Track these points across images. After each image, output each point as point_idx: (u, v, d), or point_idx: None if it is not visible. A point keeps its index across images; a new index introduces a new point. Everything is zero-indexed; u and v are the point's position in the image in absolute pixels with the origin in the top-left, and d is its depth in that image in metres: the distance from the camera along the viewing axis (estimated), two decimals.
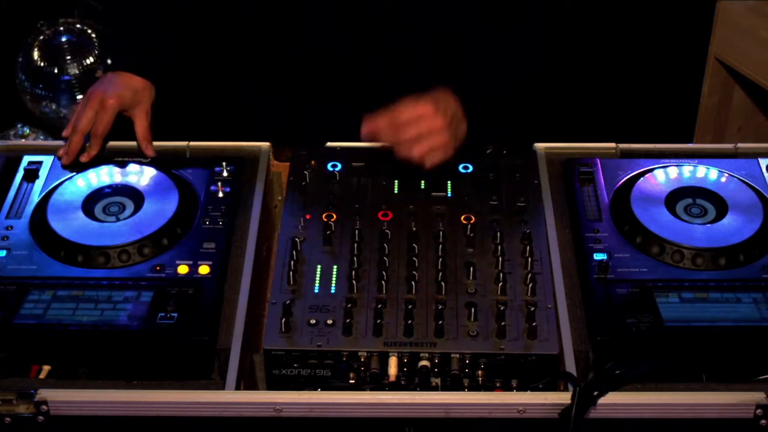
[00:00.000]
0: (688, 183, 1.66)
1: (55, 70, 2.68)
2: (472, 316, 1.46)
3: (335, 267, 1.53)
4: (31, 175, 1.67)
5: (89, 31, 2.71)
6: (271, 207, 1.77)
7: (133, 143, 1.76)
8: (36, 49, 2.68)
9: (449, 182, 1.68)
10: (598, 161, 1.71)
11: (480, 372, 1.42)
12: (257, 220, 1.62)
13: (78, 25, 2.70)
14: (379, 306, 1.46)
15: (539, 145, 1.76)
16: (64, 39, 2.68)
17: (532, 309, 1.45)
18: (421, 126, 1.58)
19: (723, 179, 1.67)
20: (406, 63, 1.87)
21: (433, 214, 1.63)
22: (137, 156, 1.73)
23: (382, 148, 1.70)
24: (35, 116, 2.75)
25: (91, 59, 2.70)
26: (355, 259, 1.54)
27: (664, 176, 1.67)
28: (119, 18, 1.88)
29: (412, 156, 1.59)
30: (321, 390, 1.42)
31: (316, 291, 1.50)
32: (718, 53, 2.65)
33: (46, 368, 1.42)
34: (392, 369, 1.41)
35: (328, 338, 1.43)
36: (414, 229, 1.59)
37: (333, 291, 1.50)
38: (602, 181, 1.67)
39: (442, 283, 1.50)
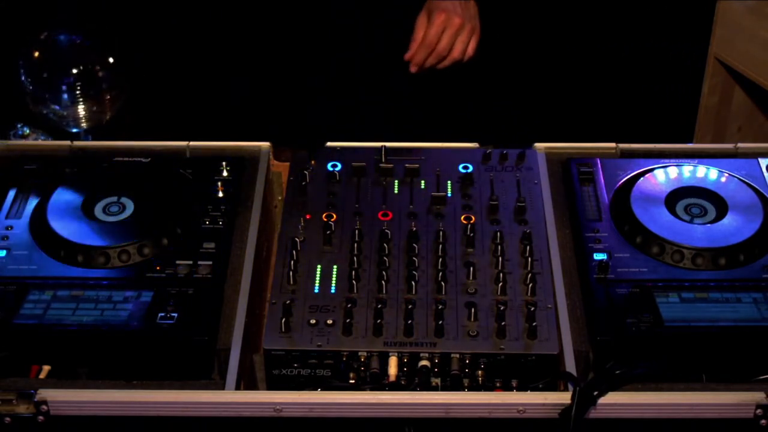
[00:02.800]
0: (688, 183, 1.66)
1: (56, 71, 2.68)
2: (472, 316, 1.46)
3: (335, 267, 1.53)
4: (32, 175, 1.67)
5: (89, 32, 2.70)
6: (271, 207, 1.77)
7: (133, 143, 1.76)
8: (36, 50, 2.68)
9: (449, 182, 1.68)
10: (598, 161, 1.71)
11: (480, 372, 1.42)
12: (257, 220, 1.62)
13: (79, 25, 2.70)
14: (379, 306, 1.46)
15: (539, 145, 1.76)
16: (64, 39, 2.68)
17: (532, 309, 1.45)
18: (447, 35, 1.85)
19: (723, 179, 1.67)
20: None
21: (433, 214, 1.63)
22: (137, 156, 1.72)
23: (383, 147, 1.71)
24: (35, 116, 2.75)
25: (92, 60, 2.70)
26: (355, 259, 1.54)
27: (664, 176, 1.67)
28: None
29: (456, 58, 1.87)
30: (321, 390, 1.42)
31: (316, 291, 1.50)
32: (718, 53, 2.65)
33: (46, 368, 1.42)
34: (392, 369, 1.41)
35: (328, 338, 1.43)
36: (414, 229, 1.59)
37: (333, 291, 1.50)
38: (602, 181, 1.67)
39: (442, 283, 1.50)
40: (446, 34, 1.86)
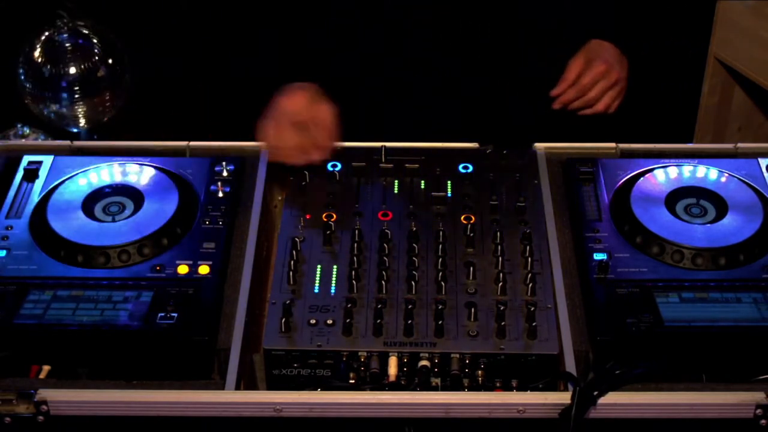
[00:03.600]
0: (688, 183, 1.66)
1: (56, 71, 2.68)
2: (472, 316, 1.46)
3: (335, 267, 1.53)
4: (31, 175, 1.67)
5: (89, 32, 2.71)
6: (271, 207, 1.77)
7: (133, 143, 1.76)
8: (36, 49, 2.68)
9: (449, 182, 1.68)
10: (598, 161, 1.71)
11: (480, 372, 1.42)
12: (257, 220, 1.62)
13: (79, 25, 2.70)
14: (379, 306, 1.46)
15: (539, 145, 1.76)
16: (64, 39, 2.68)
17: (532, 309, 1.45)
18: (601, 86, 1.88)
19: (723, 179, 1.67)
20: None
21: (433, 214, 1.63)
22: (137, 156, 1.73)
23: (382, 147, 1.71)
24: (35, 116, 2.75)
25: (92, 60, 2.71)
26: (355, 259, 1.54)
27: (664, 176, 1.67)
28: None
29: (600, 110, 1.89)
30: (321, 390, 1.42)
31: (316, 291, 1.50)
32: (718, 53, 2.65)
33: (46, 368, 1.42)
34: (392, 369, 1.41)
35: (328, 338, 1.43)
36: (414, 229, 1.59)
37: (333, 291, 1.50)
38: (602, 181, 1.67)
39: (442, 283, 1.50)
40: (600, 85, 1.88)
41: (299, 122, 1.67)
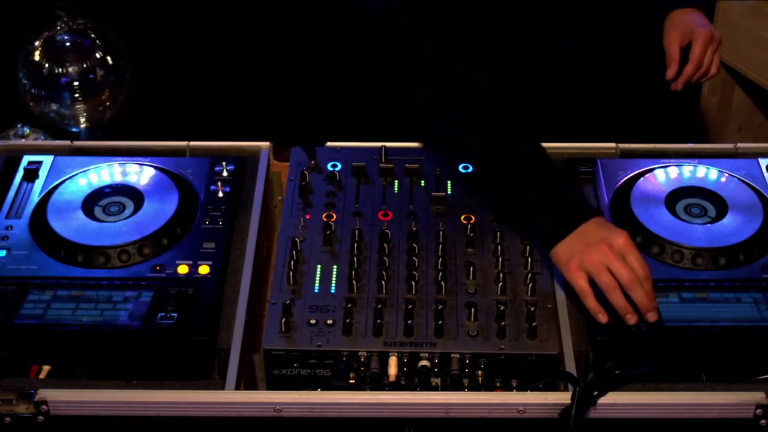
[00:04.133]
0: (688, 183, 1.66)
1: (56, 70, 2.68)
2: (472, 316, 1.46)
3: (335, 267, 1.53)
4: (31, 175, 1.67)
5: (89, 31, 2.71)
6: (271, 207, 1.77)
7: (133, 143, 1.76)
8: (36, 49, 2.68)
9: (449, 182, 1.68)
10: (598, 161, 1.71)
11: (480, 372, 1.42)
12: (257, 220, 1.62)
13: (79, 24, 2.70)
14: (379, 306, 1.46)
15: None
16: (64, 39, 2.68)
17: (532, 309, 1.45)
18: (711, 52, 1.89)
19: (723, 179, 1.67)
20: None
21: (433, 214, 1.63)
22: (137, 156, 1.73)
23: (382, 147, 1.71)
24: (35, 116, 2.75)
25: (92, 60, 2.71)
26: (355, 259, 1.54)
27: (664, 176, 1.67)
28: None
29: (713, 74, 1.92)
30: (321, 390, 1.42)
31: (316, 291, 1.50)
32: None
33: (46, 368, 1.42)
34: (392, 369, 1.41)
35: (328, 338, 1.43)
36: (414, 229, 1.59)
37: (333, 291, 1.50)
38: (602, 181, 1.67)
39: (442, 283, 1.50)
40: (710, 51, 1.90)
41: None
